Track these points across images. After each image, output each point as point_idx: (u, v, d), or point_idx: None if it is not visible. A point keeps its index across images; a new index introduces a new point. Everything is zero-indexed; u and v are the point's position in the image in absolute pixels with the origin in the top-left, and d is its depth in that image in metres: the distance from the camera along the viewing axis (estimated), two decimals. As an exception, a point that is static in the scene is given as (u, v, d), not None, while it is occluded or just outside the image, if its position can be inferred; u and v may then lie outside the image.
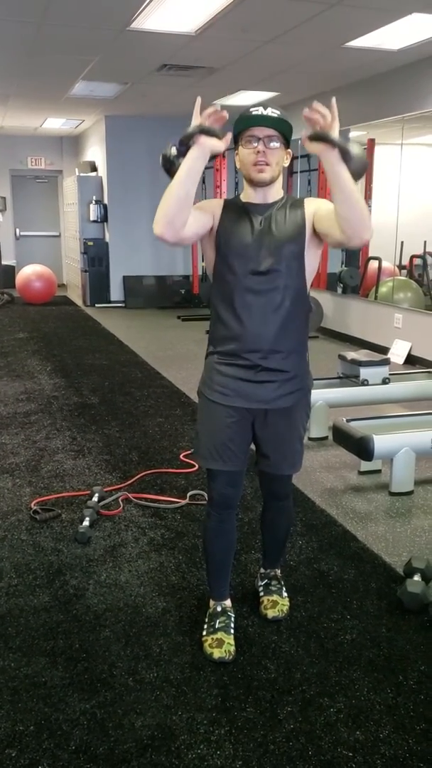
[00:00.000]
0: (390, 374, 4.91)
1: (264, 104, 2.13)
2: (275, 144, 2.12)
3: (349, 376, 4.91)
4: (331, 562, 2.95)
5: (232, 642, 2.35)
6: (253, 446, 2.35)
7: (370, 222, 1.99)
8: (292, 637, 2.44)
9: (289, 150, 2.20)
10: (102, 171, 10.72)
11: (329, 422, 4.27)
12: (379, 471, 3.96)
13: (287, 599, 2.60)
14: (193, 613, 2.58)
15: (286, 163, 2.20)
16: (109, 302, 10.80)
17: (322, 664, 2.29)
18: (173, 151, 2.11)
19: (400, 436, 3.69)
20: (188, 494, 3.60)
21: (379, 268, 7.75)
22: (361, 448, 3.60)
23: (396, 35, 5.47)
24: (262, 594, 2.60)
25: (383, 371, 4.84)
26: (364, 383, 4.78)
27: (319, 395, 4.52)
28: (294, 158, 9.66)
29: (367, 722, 2.04)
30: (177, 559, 2.97)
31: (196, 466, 3.99)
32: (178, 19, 5.11)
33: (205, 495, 3.56)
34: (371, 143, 7.64)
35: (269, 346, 2.17)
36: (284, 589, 2.63)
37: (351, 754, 1.92)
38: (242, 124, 2.14)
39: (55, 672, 2.25)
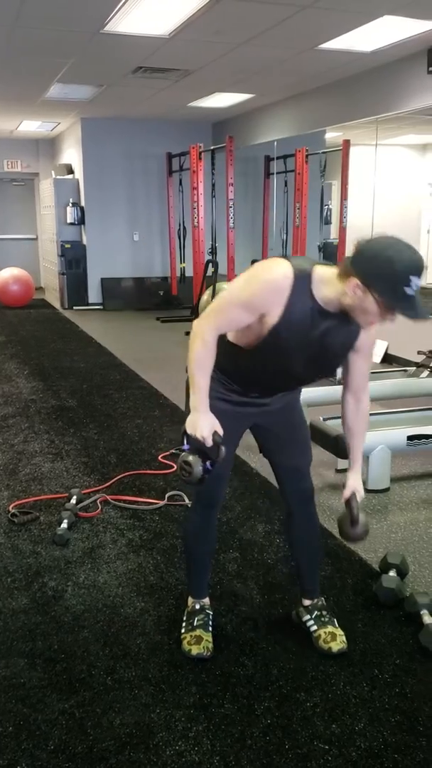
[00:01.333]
0: (366, 373, 4.95)
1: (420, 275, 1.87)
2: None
3: (326, 376, 4.95)
4: (308, 560, 2.97)
5: (210, 639, 2.37)
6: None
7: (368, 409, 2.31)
8: (270, 634, 2.47)
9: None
10: (78, 173, 10.70)
11: (307, 421, 4.29)
12: (355, 469, 4.00)
13: (339, 627, 2.43)
14: (171, 612, 2.59)
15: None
16: (87, 305, 10.78)
17: (298, 660, 2.32)
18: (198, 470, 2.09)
19: (376, 434, 3.73)
20: (166, 495, 3.61)
21: (356, 268, 7.82)
22: (338, 446, 3.64)
23: (368, 37, 5.52)
24: (316, 627, 2.40)
25: (359, 370, 4.89)
26: (341, 382, 4.82)
27: (296, 395, 4.54)
28: (270, 159, 9.71)
29: (342, 716, 2.07)
30: (155, 560, 2.98)
31: (175, 467, 4.00)
32: (152, 22, 5.13)
33: (184, 496, 3.58)
34: (346, 144, 7.71)
35: (280, 394, 2.26)
36: (334, 617, 2.46)
37: (327, 747, 1.95)
38: (398, 298, 1.83)
39: (33, 673, 2.26)
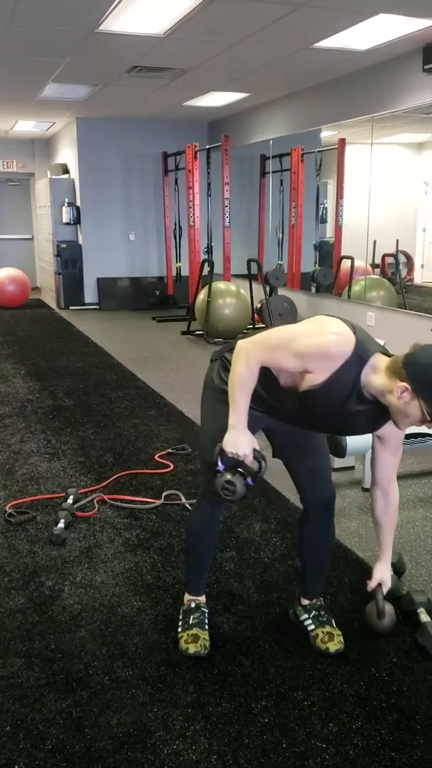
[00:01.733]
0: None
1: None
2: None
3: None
4: (305, 558, 2.98)
5: (207, 637, 2.37)
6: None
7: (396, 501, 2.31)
8: (267, 633, 2.47)
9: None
10: (74, 173, 10.69)
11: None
12: (352, 467, 4.01)
13: (336, 627, 2.44)
14: (168, 611, 2.59)
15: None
16: (84, 304, 10.77)
17: (296, 659, 2.32)
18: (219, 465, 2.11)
19: (372, 432, 3.73)
20: (163, 494, 3.61)
21: (352, 267, 7.82)
22: (334, 444, 3.63)
23: (363, 36, 5.52)
24: (313, 626, 2.41)
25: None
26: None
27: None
28: (266, 158, 9.72)
29: (340, 714, 2.07)
30: (152, 559, 2.98)
31: (171, 466, 4.01)
32: (147, 21, 5.13)
33: (180, 495, 3.58)
34: (342, 143, 7.71)
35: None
36: (332, 617, 2.47)
37: (324, 745, 1.95)
38: None
39: (31, 673, 2.26)
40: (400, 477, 3.90)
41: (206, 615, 2.45)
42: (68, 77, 7.14)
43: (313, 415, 2.08)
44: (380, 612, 2.41)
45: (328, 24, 5.20)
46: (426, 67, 5.83)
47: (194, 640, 2.34)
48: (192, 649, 2.32)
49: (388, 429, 2.13)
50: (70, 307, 10.69)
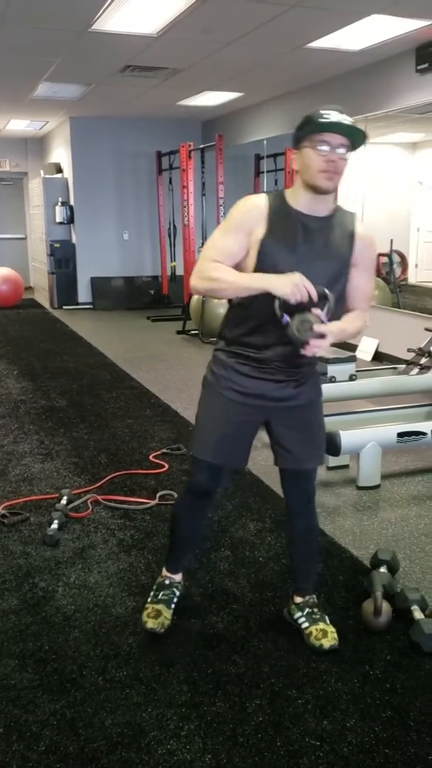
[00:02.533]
0: (357, 371, 4.97)
1: (337, 108, 2.04)
2: (344, 152, 2.03)
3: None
4: (300, 557, 2.98)
5: (169, 616, 2.42)
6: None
7: (360, 330, 2.20)
8: (261, 632, 2.47)
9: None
10: (67, 172, 10.68)
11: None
12: (346, 466, 4.01)
13: (331, 624, 2.42)
14: (162, 611, 2.59)
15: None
16: (77, 304, 10.75)
17: (290, 657, 2.32)
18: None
19: (367, 431, 3.74)
20: (158, 494, 3.61)
21: (346, 266, 7.82)
22: (329, 443, 3.64)
23: (356, 36, 5.53)
24: (307, 624, 2.39)
25: (350, 368, 4.90)
26: (332, 380, 4.83)
27: (286, 393, 4.55)
28: (260, 158, 9.70)
29: (334, 712, 2.07)
30: (147, 559, 2.98)
31: (166, 466, 4.00)
32: (140, 21, 5.12)
33: (175, 495, 3.58)
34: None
35: (290, 360, 2.16)
36: (326, 614, 2.46)
37: (318, 743, 1.95)
38: (315, 126, 2.01)
39: (24, 674, 2.25)
40: (394, 475, 3.91)
41: (176, 595, 2.49)
42: (61, 76, 7.13)
43: (290, 270, 2.07)
44: (378, 610, 2.41)
45: (321, 24, 5.21)
46: (419, 67, 5.84)
47: (156, 616, 2.41)
48: (150, 624, 2.39)
49: (355, 265, 2.17)
50: (64, 307, 10.67)
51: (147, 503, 3.52)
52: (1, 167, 12.42)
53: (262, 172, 9.03)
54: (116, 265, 10.82)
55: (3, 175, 12.61)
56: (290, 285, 1.97)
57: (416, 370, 5.17)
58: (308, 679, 2.22)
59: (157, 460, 4.11)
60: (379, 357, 6.79)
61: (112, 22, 5.13)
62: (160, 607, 2.45)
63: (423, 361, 5.22)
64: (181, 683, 2.20)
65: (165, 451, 4.27)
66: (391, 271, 8.35)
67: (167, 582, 2.53)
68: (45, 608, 2.62)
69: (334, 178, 2.05)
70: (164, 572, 2.55)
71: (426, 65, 5.76)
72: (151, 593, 2.52)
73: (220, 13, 4.90)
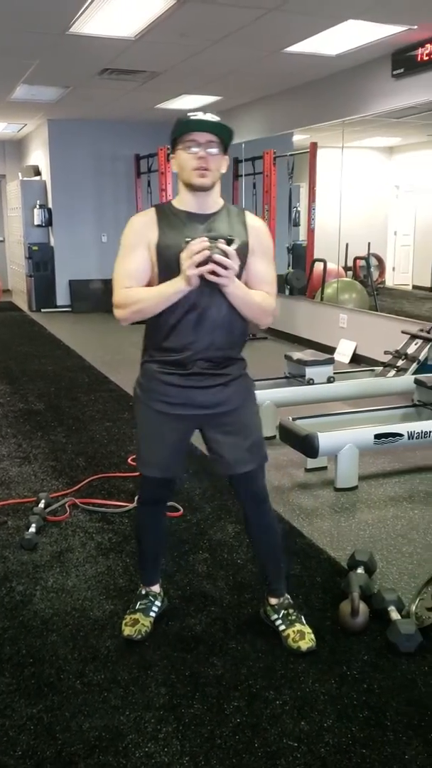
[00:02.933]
0: (335, 373, 5.00)
1: (203, 109, 2.15)
2: (215, 150, 2.12)
3: (296, 376, 4.99)
4: (278, 559, 2.99)
5: (148, 624, 2.44)
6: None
7: (268, 313, 2.23)
8: (239, 633, 2.47)
9: (226, 156, 2.20)
10: (46, 175, 10.63)
11: (276, 421, 4.32)
12: (324, 468, 4.03)
13: (307, 625, 2.44)
14: (140, 614, 2.59)
15: (224, 170, 2.20)
16: (56, 307, 10.70)
17: (268, 659, 2.33)
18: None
19: (344, 433, 3.77)
20: (136, 498, 3.60)
21: (324, 269, 7.88)
22: (307, 445, 3.66)
23: (333, 41, 5.57)
24: (284, 627, 2.41)
25: (328, 370, 4.93)
26: (310, 382, 4.86)
27: (266, 395, 4.57)
28: (238, 161, 9.71)
29: (311, 713, 2.08)
30: (125, 562, 2.97)
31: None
32: (118, 24, 5.12)
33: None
34: (313, 146, 7.76)
35: (211, 354, 2.20)
36: (302, 615, 2.47)
37: (296, 744, 1.96)
38: (183, 128, 2.12)
39: (1, 678, 2.24)
40: (371, 476, 3.93)
41: (155, 603, 2.51)
42: (39, 79, 7.11)
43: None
44: (355, 611, 2.43)
45: (299, 29, 5.24)
46: (395, 72, 5.90)
47: (133, 624, 2.43)
48: (127, 631, 2.42)
49: (252, 252, 2.21)
50: (42, 310, 10.62)
51: (125, 506, 3.52)
52: (-21, 169, 12.34)
53: (241, 176, 9.06)
54: (95, 267, 10.77)
55: (-20, 177, 12.52)
56: (187, 271, 2.00)
57: (393, 372, 5.22)
58: (286, 680, 2.23)
59: (135, 463, 4.10)
60: (356, 359, 6.83)
61: (90, 25, 5.12)
62: (137, 616, 2.47)
63: (400, 363, 5.27)
64: (159, 686, 2.20)
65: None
66: (368, 274, 8.42)
67: (144, 592, 2.55)
68: (22, 612, 2.60)
69: (207, 174, 2.12)
70: (141, 585, 2.58)
71: (402, 70, 5.81)
72: (130, 606, 2.53)
73: (198, 17, 4.92)
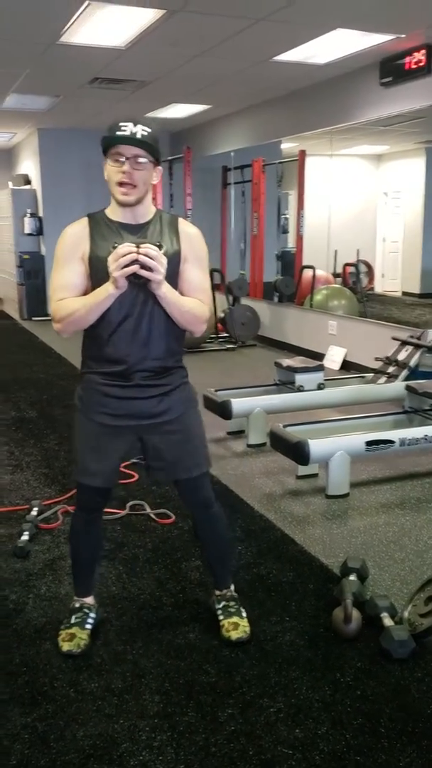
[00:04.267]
0: (325, 380, 5.01)
1: (135, 120, 2.09)
2: (142, 163, 2.10)
3: (285, 383, 5.00)
4: (270, 566, 3.00)
5: (85, 636, 2.42)
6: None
7: (201, 321, 2.23)
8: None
9: (158, 167, 2.19)
10: (36, 184, 10.63)
11: (267, 429, 4.34)
12: (316, 475, 4.04)
13: (247, 619, 2.50)
14: (133, 622, 2.59)
15: (156, 181, 2.20)
16: (47, 315, 10.68)
17: (261, 666, 2.33)
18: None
19: (335, 439, 3.78)
20: (128, 504, 3.60)
21: (314, 276, 7.91)
22: (298, 452, 3.68)
23: (322, 50, 5.61)
24: (222, 617, 2.49)
25: (318, 377, 4.94)
26: (300, 389, 4.87)
27: (256, 402, 4.58)
28: (228, 170, 9.75)
29: (306, 720, 2.09)
30: (117, 570, 2.97)
31: (136, 476, 4.00)
32: (108, 33, 5.14)
33: (146, 505, 3.58)
34: (302, 154, 7.81)
35: (149, 365, 2.21)
36: (242, 608, 2.54)
37: (291, 751, 1.96)
38: (109, 140, 2.08)
39: (-6, 688, 2.23)
40: (363, 483, 3.95)
41: (90, 615, 2.50)
42: (29, 88, 7.12)
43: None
44: (348, 617, 2.44)
45: (287, 38, 5.28)
46: (383, 81, 5.94)
47: (70, 639, 2.41)
48: (66, 647, 2.39)
49: (185, 260, 2.21)
50: (33, 318, 10.61)
51: (117, 513, 3.51)
52: (-32, 178, 12.32)
53: (230, 184, 9.10)
54: (85, 275, 10.76)
55: (-30, 185, 12.50)
56: (114, 273, 2.00)
57: (383, 378, 5.24)
58: (279, 687, 2.23)
59: (127, 471, 4.10)
60: (347, 366, 6.86)
61: (80, 34, 5.14)
62: (73, 630, 2.43)
63: (390, 369, 5.29)
64: (153, 694, 2.20)
65: (135, 461, 4.25)
66: (357, 280, 8.46)
67: (77, 605, 2.52)
68: (16, 620, 2.60)
69: (132, 192, 2.12)
70: (74, 598, 2.56)
71: (390, 78, 5.86)
72: (64, 620, 2.50)
73: (188, 27, 4.95)
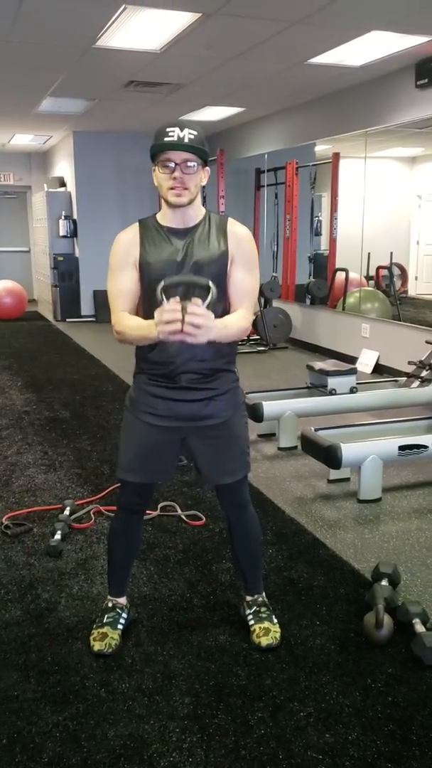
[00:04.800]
0: (357, 383, 4.99)
1: (182, 124, 2.11)
2: (192, 167, 2.11)
3: (317, 386, 4.98)
4: (301, 570, 2.99)
5: (117, 636, 2.43)
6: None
7: (244, 331, 2.20)
8: (263, 644, 2.47)
9: (206, 168, 2.20)
10: (71, 186, 10.75)
11: (298, 432, 4.33)
12: (347, 479, 4.02)
13: (278, 624, 2.50)
14: (164, 623, 2.60)
15: (204, 182, 2.20)
16: (80, 317, 10.79)
17: (292, 670, 2.33)
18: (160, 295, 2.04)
19: (368, 444, 3.75)
20: (159, 506, 3.62)
21: (346, 279, 7.87)
22: (330, 456, 3.66)
23: (357, 52, 5.59)
24: (252, 623, 2.50)
25: (350, 380, 4.92)
26: (332, 393, 4.85)
27: (287, 405, 4.57)
28: (261, 172, 9.74)
29: (336, 725, 2.08)
30: (149, 570, 2.99)
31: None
32: (143, 37, 5.18)
33: (176, 506, 3.60)
34: (336, 157, 7.77)
35: (198, 368, 2.23)
36: (273, 614, 2.54)
37: (321, 756, 1.96)
38: (158, 147, 2.11)
39: (27, 685, 2.26)
40: (395, 488, 3.92)
41: (123, 616, 2.51)
42: (65, 91, 7.20)
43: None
44: (379, 623, 2.42)
45: (322, 41, 5.26)
46: (419, 82, 5.89)
47: (102, 638, 2.42)
48: (97, 647, 2.40)
49: (233, 261, 2.21)
50: (67, 320, 10.72)
51: (149, 514, 3.53)
52: (5, 181, 12.50)
53: (263, 186, 9.09)
54: (118, 277, 10.84)
55: (7, 188, 12.69)
56: (158, 328, 1.97)
57: (417, 382, 5.19)
58: (310, 691, 2.22)
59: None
60: (379, 369, 6.81)
61: (116, 38, 5.19)
62: (105, 629, 2.45)
63: (424, 373, 5.24)
64: (183, 695, 2.21)
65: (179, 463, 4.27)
66: (391, 283, 8.39)
67: (110, 605, 2.54)
68: (48, 620, 2.63)
69: (184, 193, 2.13)
70: (108, 597, 2.57)
71: (426, 80, 5.81)
72: (96, 620, 2.52)
73: (222, 30, 4.96)
